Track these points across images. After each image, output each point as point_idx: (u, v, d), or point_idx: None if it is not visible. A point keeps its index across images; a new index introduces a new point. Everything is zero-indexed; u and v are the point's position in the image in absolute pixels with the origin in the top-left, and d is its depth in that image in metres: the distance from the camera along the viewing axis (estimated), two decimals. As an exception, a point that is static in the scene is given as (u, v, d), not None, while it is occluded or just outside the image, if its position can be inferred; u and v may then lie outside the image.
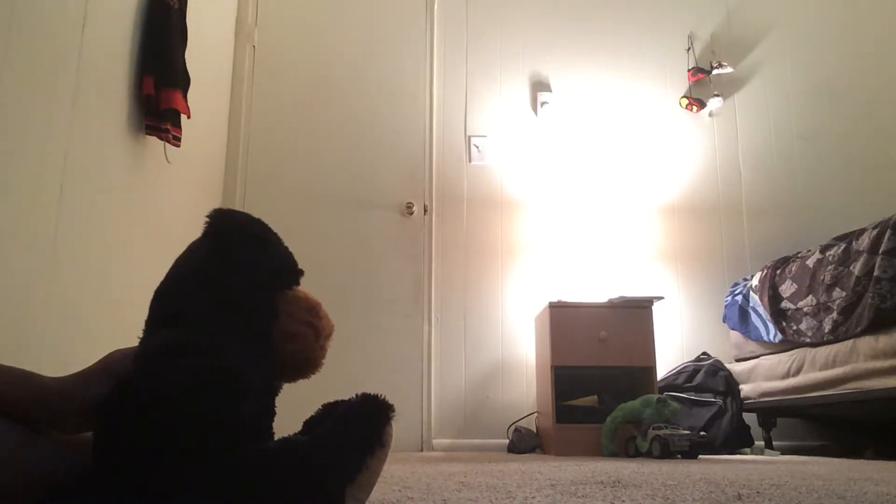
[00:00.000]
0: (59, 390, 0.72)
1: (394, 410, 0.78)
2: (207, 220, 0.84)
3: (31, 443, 0.71)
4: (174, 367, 0.69)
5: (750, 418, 2.85)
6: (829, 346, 2.38)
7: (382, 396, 0.79)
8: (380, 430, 0.76)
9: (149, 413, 0.68)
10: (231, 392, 0.70)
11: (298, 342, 0.83)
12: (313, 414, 0.84)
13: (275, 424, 0.83)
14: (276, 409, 0.83)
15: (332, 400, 0.85)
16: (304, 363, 0.85)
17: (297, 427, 0.84)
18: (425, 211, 3.29)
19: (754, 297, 2.81)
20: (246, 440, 0.74)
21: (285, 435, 0.80)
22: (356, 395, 0.80)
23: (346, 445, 0.74)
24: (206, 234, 0.84)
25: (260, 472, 0.70)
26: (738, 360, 3.00)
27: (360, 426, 0.76)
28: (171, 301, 0.80)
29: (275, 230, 0.87)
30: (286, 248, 0.87)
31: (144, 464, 0.68)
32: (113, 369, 0.75)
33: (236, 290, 0.79)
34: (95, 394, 0.72)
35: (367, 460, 0.74)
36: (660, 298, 2.80)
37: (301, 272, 0.87)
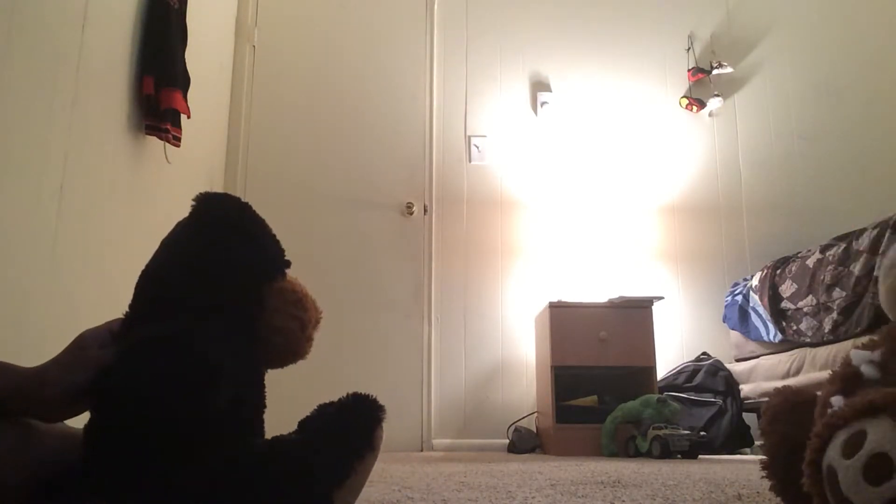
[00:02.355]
0: (38, 379, 0.72)
1: (384, 412, 0.77)
2: (194, 203, 0.83)
3: (23, 439, 0.71)
4: (151, 362, 0.68)
5: (750, 418, 2.85)
6: (829, 346, 2.38)
7: (373, 397, 0.78)
8: (370, 433, 0.75)
9: (127, 408, 0.67)
10: (206, 386, 0.69)
11: (284, 335, 0.82)
12: (308, 414, 0.84)
13: (271, 424, 0.82)
14: (265, 402, 0.83)
15: (329, 400, 0.85)
16: (290, 355, 0.85)
17: (293, 426, 0.83)
18: (425, 211, 3.29)
19: (754, 297, 2.81)
20: (229, 431, 0.73)
21: (280, 434, 0.80)
22: (347, 394, 0.79)
23: (335, 449, 0.73)
24: (192, 219, 0.83)
25: (247, 472, 0.70)
26: (738, 360, 3.00)
27: (350, 429, 0.75)
28: (156, 288, 0.80)
29: (262, 217, 0.86)
30: (274, 237, 0.86)
31: (132, 462, 0.68)
32: (89, 352, 0.75)
33: (222, 283, 0.78)
34: (75, 381, 0.72)
35: (356, 464, 0.73)
36: (660, 298, 2.80)
37: (288, 263, 0.86)
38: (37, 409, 0.72)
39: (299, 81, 3.40)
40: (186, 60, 2.40)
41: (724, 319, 3.07)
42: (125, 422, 0.68)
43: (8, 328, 1.58)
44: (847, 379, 0.76)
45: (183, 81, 2.34)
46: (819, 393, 0.77)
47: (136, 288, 0.82)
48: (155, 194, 2.38)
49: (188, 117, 2.40)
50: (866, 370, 0.73)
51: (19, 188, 1.61)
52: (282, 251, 0.86)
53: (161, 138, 2.28)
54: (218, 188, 3.19)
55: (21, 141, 1.61)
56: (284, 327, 0.82)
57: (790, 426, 0.77)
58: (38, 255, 1.70)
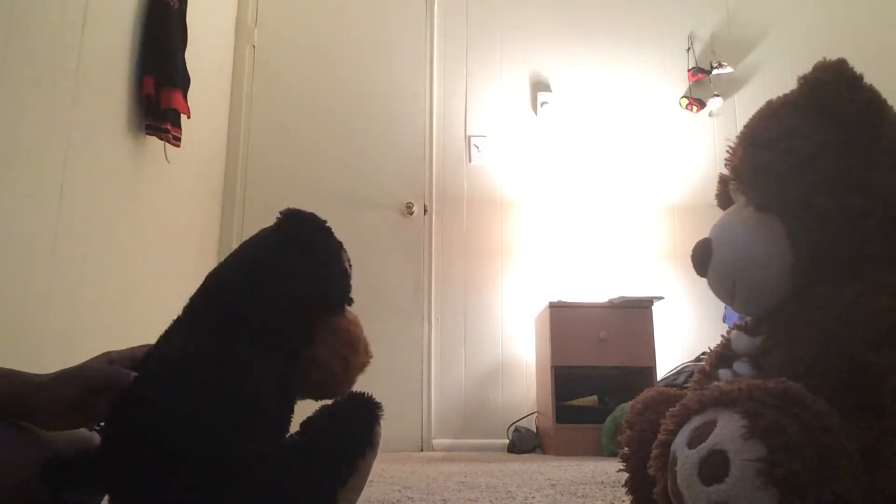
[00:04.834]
0: (41, 386, 0.72)
1: (382, 409, 0.78)
2: (279, 217, 0.82)
3: (23, 439, 0.71)
4: (178, 389, 0.68)
5: (750, 418, 2.84)
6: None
7: (369, 395, 0.78)
8: (369, 432, 0.75)
9: (143, 430, 0.67)
10: (237, 419, 0.69)
11: (325, 373, 0.80)
12: (311, 415, 0.84)
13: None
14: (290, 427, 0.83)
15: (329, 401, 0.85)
16: (326, 392, 0.83)
17: (295, 427, 0.83)
18: (425, 211, 3.29)
19: (754, 297, 2.81)
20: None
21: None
22: None
23: (336, 449, 0.73)
24: (274, 234, 0.81)
25: (251, 476, 0.70)
26: (738, 360, 3.00)
27: (350, 428, 0.75)
28: (220, 294, 0.79)
29: (332, 241, 0.84)
30: (345, 270, 0.84)
31: (138, 467, 0.68)
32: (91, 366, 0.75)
33: (282, 308, 0.77)
34: (76, 393, 0.72)
35: (359, 463, 0.73)
36: (660, 298, 2.79)
37: (351, 300, 0.84)
38: (39, 417, 0.73)
39: (299, 81, 3.39)
40: (186, 60, 2.40)
41: (724, 319, 3.06)
42: (141, 440, 0.67)
43: (7, 328, 1.58)
44: (722, 360, 0.74)
45: (183, 81, 2.34)
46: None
47: (203, 285, 0.80)
48: (155, 194, 2.37)
49: (188, 117, 2.40)
50: (739, 368, 0.70)
51: (19, 188, 1.61)
52: (349, 286, 0.84)
53: (161, 138, 2.28)
54: (218, 188, 3.19)
55: (21, 141, 1.61)
56: (328, 364, 0.80)
57: (660, 415, 0.67)
58: (38, 255, 1.69)
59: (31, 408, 0.72)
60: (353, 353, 0.82)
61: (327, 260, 0.82)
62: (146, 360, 0.75)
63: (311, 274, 0.80)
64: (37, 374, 0.74)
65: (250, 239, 0.84)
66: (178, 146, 2.37)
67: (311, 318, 0.80)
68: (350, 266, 0.87)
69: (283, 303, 0.78)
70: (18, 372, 0.74)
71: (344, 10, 3.48)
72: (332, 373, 0.81)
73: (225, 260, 0.83)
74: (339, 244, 0.85)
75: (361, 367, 0.85)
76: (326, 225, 0.84)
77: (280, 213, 0.83)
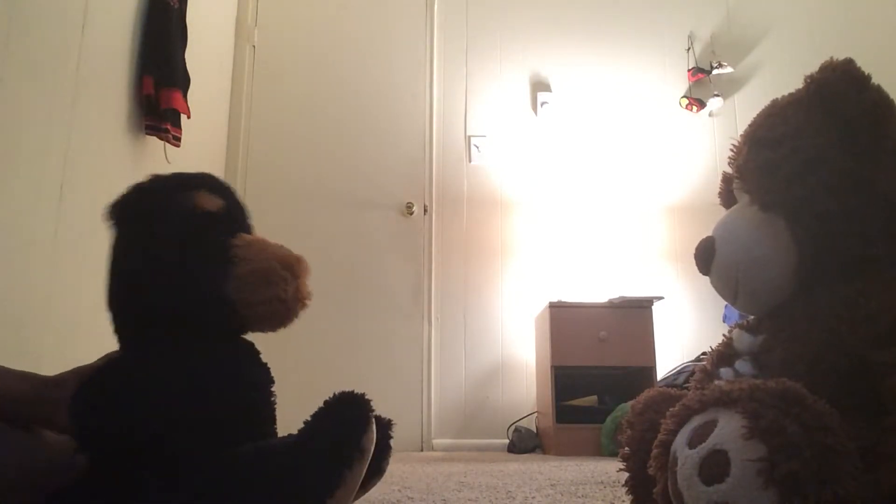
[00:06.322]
0: (58, 384, 0.72)
1: (373, 411, 0.75)
2: (110, 219, 0.85)
3: (28, 447, 0.71)
4: (97, 394, 0.71)
5: (750, 418, 2.84)
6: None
7: (359, 395, 0.75)
8: (358, 440, 0.72)
9: (84, 432, 0.71)
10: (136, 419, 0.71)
11: (273, 316, 0.81)
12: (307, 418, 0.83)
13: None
14: (272, 409, 0.82)
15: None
16: (286, 321, 0.83)
17: (292, 426, 0.83)
18: (425, 211, 3.29)
19: (754, 297, 2.81)
20: (209, 440, 0.73)
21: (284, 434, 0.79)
22: (333, 394, 0.77)
23: (322, 461, 0.71)
24: (118, 241, 0.85)
25: (237, 487, 0.69)
26: (738, 360, 2.99)
27: (338, 436, 0.72)
28: (117, 314, 0.82)
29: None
30: (196, 217, 0.83)
31: (113, 472, 0.69)
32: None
33: (184, 304, 0.79)
34: None
35: (346, 475, 0.70)
36: (660, 298, 2.79)
37: (235, 227, 0.85)
38: (54, 418, 0.73)
39: (299, 81, 3.39)
40: (186, 60, 2.40)
41: (724, 319, 3.06)
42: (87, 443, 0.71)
43: (8, 329, 1.58)
44: (724, 358, 0.74)
45: (183, 81, 2.34)
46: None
47: (113, 309, 0.83)
48: (155, 194, 2.37)
49: (188, 117, 2.40)
50: (740, 367, 0.70)
51: (19, 188, 1.61)
52: (210, 242, 0.83)
53: (161, 138, 2.28)
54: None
55: (21, 141, 1.61)
56: (268, 312, 0.80)
57: (660, 415, 0.66)
58: (38, 255, 1.69)
59: (48, 407, 0.72)
60: (274, 285, 0.80)
61: (174, 231, 0.82)
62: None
63: (178, 254, 0.81)
64: (51, 376, 0.75)
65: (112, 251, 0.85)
66: (178, 146, 2.37)
67: (215, 297, 0.79)
68: (189, 201, 0.84)
69: (184, 296, 0.79)
70: (32, 373, 0.74)
71: (344, 10, 3.48)
72: (276, 307, 0.80)
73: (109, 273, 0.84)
74: (171, 205, 0.84)
75: (294, 279, 0.82)
76: (139, 191, 0.87)
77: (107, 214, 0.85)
